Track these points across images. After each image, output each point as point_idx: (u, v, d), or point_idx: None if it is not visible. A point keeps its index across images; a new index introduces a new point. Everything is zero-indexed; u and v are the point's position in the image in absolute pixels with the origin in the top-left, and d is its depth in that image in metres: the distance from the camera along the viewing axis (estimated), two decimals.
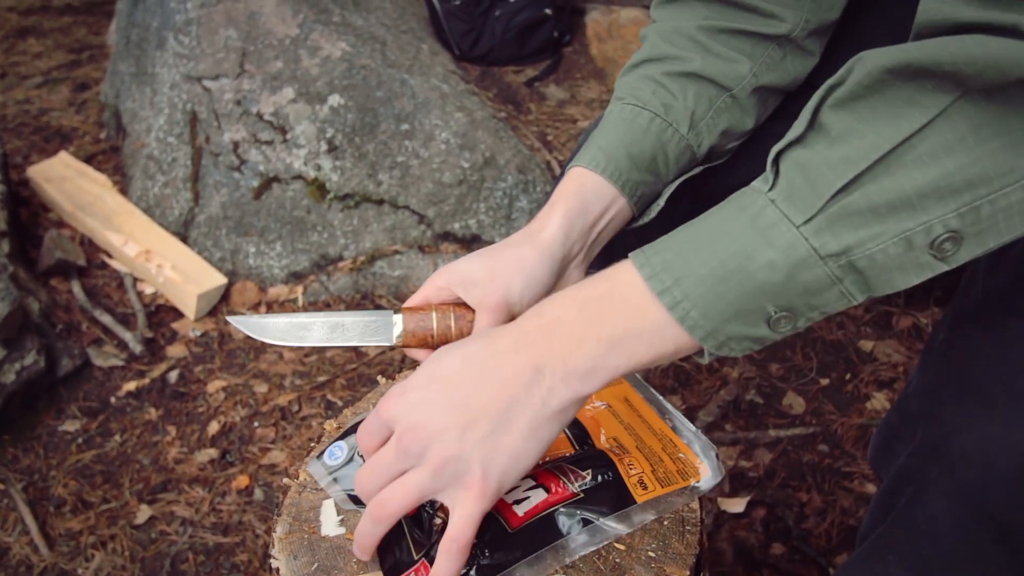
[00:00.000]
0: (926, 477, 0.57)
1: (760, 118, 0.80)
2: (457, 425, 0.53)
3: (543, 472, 0.65)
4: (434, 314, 0.69)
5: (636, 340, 0.52)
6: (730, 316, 0.50)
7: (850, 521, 1.35)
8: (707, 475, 0.66)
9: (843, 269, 0.48)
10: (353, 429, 0.71)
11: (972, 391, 0.55)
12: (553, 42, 2.56)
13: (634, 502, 0.63)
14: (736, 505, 1.37)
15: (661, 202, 0.76)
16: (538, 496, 0.62)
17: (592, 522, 0.62)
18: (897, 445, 0.62)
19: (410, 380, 0.57)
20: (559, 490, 0.63)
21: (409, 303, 0.71)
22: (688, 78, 0.75)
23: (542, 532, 0.61)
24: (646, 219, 0.76)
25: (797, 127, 0.50)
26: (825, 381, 1.60)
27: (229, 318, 0.72)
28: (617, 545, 0.62)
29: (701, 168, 0.79)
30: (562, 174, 0.75)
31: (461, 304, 0.70)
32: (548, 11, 2.50)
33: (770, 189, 0.49)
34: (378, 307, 1.86)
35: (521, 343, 0.54)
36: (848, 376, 1.60)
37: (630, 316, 0.52)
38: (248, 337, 1.79)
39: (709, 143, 0.76)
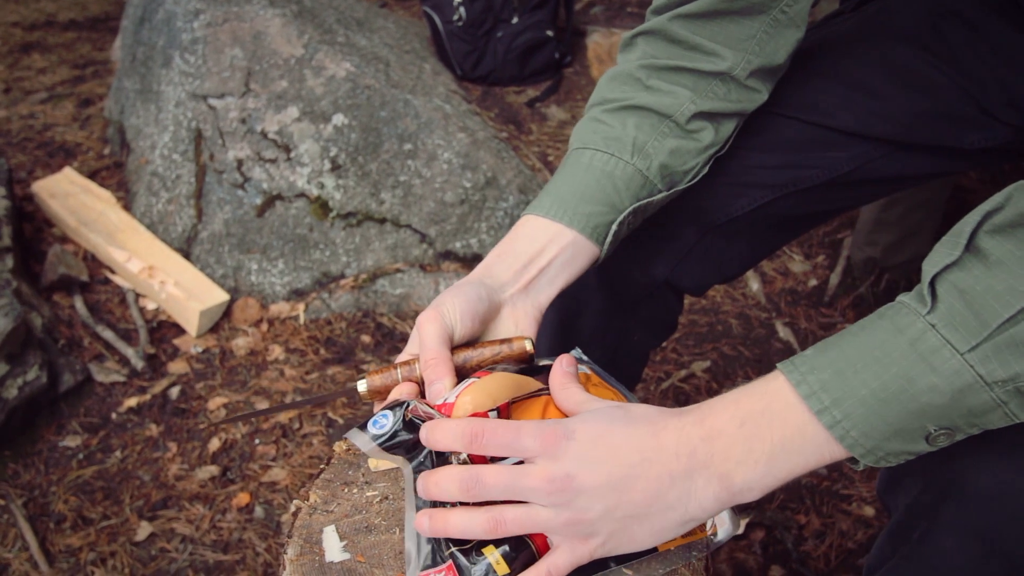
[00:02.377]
0: (939, 513, 0.58)
1: (719, 135, 0.84)
2: (606, 499, 0.56)
3: None
4: (398, 369, 0.73)
5: (793, 456, 0.54)
6: (890, 435, 0.52)
7: (848, 544, 1.36)
8: (724, 527, 0.67)
9: (1009, 394, 0.49)
10: (398, 403, 0.69)
11: (987, 431, 0.56)
12: (554, 63, 2.59)
13: (654, 550, 0.64)
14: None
15: (615, 227, 0.79)
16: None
17: (609, 566, 0.62)
18: (906, 480, 0.63)
19: (580, 427, 0.58)
20: None
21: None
22: (626, 110, 0.80)
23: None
24: (605, 247, 0.80)
25: (951, 250, 0.52)
26: None
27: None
28: (625, 571, 0.63)
29: (666, 194, 0.82)
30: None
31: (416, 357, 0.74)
32: (550, 33, 2.53)
33: (929, 312, 0.51)
34: (378, 326, 1.87)
35: (683, 450, 0.56)
36: None
37: (789, 436, 0.54)
38: (250, 354, 1.80)
39: (659, 162, 0.80)
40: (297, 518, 0.71)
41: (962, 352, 0.49)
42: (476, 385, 0.66)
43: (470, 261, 1.95)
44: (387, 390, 0.72)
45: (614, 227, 0.79)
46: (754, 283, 1.89)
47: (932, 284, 0.52)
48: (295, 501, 0.73)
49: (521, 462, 0.59)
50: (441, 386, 0.67)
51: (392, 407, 0.67)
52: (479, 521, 0.57)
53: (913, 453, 0.53)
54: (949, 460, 0.58)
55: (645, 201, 0.81)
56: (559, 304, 0.97)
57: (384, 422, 0.66)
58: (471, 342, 0.74)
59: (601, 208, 0.77)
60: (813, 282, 1.90)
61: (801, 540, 1.37)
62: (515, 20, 2.49)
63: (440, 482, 0.59)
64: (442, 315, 0.70)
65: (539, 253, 0.76)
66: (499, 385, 0.66)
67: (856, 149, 0.91)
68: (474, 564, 0.59)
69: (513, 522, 0.57)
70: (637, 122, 0.79)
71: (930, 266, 0.52)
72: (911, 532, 0.62)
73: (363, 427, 0.66)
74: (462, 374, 0.72)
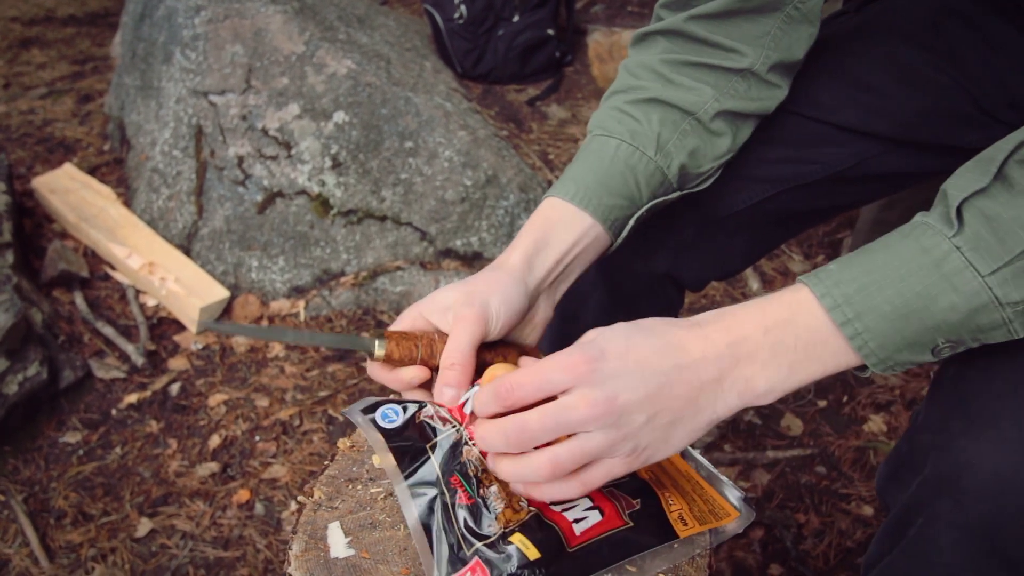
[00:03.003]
0: (936, 509, 0.59)
1: (736, 141, 0.84)
2: (647, 410, 0.57)
3: (598, 494, 0.66)
4: (419, 347, 0.70)
5: (814, 363, 0.57)
6: (903, 347, 0.56)
7: (847, 543, 1.37)
8: (738, 517, 0.67)
9: (1017, 314, 0.53)
10: (414, 402, 0.69)
11: (983, 426, 0.57)
12: (555, 62, 2.59)
13: (676, 536, 0.64)
14: None
15: (632, 223, 0.79)
16: (594, 518, 0.64)
17: (635, 555, 0.63)
18: (906, 476, 0.63)
19: (606, 345, 0.58)
20: (612, 516, 0.64)
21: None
22: (650, 104, 0.79)
23: (595, 555, 0.62)
24: (617, 243, 0.80)
25: (980, 176, 0.54)
26: (823, 403, 1.62)
27: (203, 324, 0.74)
28: (629, 567, 0.63)
29: (679, 194, 0.82)
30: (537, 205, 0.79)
31: (438, 331, 0.71)
32: (550, 32, 2.53)
33: (954, 235, 0.53)
34: (379, 323, 1.87)
35: (710, 355, 0.58)
36: (845, 398, 1.62)
37: (811, 343, 0.57)
38: (250, 350, 1.80)
39: (679, 163, 0.80)
40: (302, 514, 0.71)
41: (983, 275, 0.53)
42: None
43: (470, 259, 1.95)
44: (401, 363, 0.70)
45: (632, 222, 0.79)
46: (754, 282, 1.90)
47: (959, 208, 0.54)
48: (299, 497, 0.73)
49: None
50: (453, 394, 0.66)
51: (405, 404, 0.67)
52: (535, 465, 0.58)
53: (917, 363, 0.57)
54: (944, 455, 0.59)
55: (660, 199, 0.81)
56: (561, 298, 0.97)
57: (395, 417, 0.66)
58: (493, 343, 0.73)
59: (622, 202, 0.77)
60: None
61: (800, 539, 1.38)
62: (516, 18, 2.49)
63: (485, 437, 0.59)
64: (486, 319, 0.68)
65: (572, 247, 0.76)
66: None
67: (856, 146, 0.92)
68: (502, 553, 0.59)
69: (568, 457, 0.57)
70: (661, 117, 0.79)
71: (956, 190, 0.54)
72: (907, 528, 0.62)
73: (370, 410, 0.66)
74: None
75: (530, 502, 0.63)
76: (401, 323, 0.72)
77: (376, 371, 0.71)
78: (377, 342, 0.69)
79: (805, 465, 1.50)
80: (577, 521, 0.63)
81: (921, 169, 0.96)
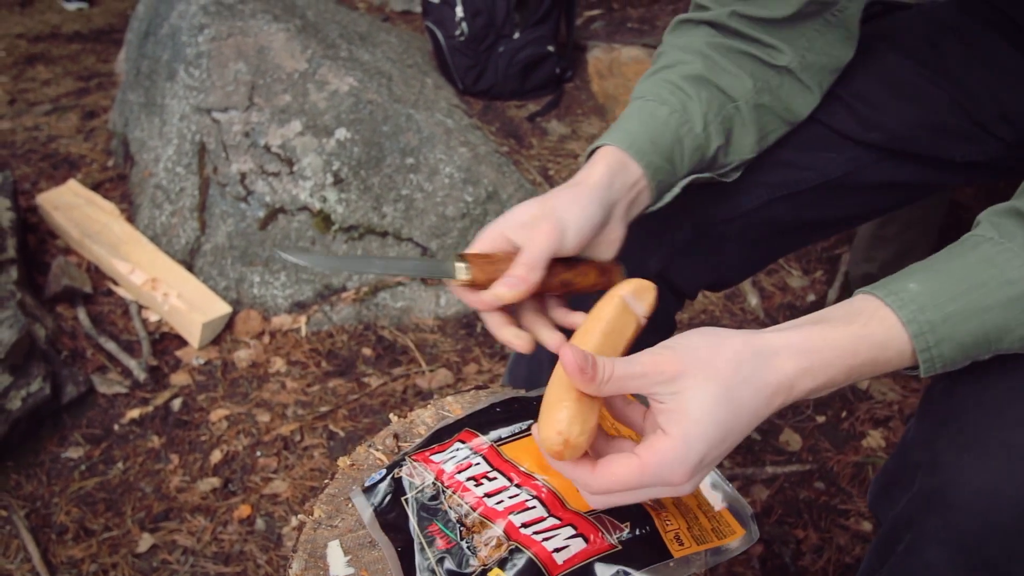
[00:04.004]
0: (924, 525, 0.59)
1: (762, 141, 0.86)
2: (717, 456, 0.57)
3: (583, 521, 0.66)
4: (499, 257, 0.70)
5: (869, 374, 0.58)
6: (961, 362, 0.57)
7: (846, 559, 1.37)
8: (742, 535, 0.68)
9: None
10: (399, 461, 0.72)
11: (970, 443, 0.58)
12: (555, 78, 2.61)
13: (670, 557, 0.65)
14: None
15: (677, 190, 0.80)
16: (577, 545, 0.64)
17: (628, 574, 0.63)
18: (896, 492, 0.64)
19: (697, 444, 0.55)
20: (597, 541, 0.64)
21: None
22: (699, 81, 0.81)
23: None
24: (659, 204, 0.80)
25: None
26: (821, 419, 1.62)
27: (281, 253, 0.71)
28: None
29: (710, 175, 0.84)
30: (589, 152, 0.77)
31: (518, 249, 0.71)
32: (551, 48, 2.55)
33: None
34: (379, 338, 1.89)
35: (785, 400, 0.57)
36: (844, 414, 1.63)
37: (882, 364, 0.57)
38: (252, 366, 1.81)
39: (717, 144, 0.82)
40: (302, 532, 0.72)
41: None
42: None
43: None
44: (484, 286, 0.70)
45: (677, 188, 0.80)
46: (753, 298, 1.91)
47: None
48: (299, 516, 0.74)
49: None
50: (503, 292, 0.67)
51: (388, 465, 0.71)
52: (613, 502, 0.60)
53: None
54: (932, 471, 0.59)
55: (696, 176, 0.82)
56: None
57: (376, 477, 0.70)
58: (570, 259, 0.73)
59: (667, 166, 0.78)
60: (811, 297, 1.91)
61: (799, 555, 1.38)
62: (516, 35, 2.51)
63: (593, 501, 0.62)
64: (561, 231, 0.68)
65: (636, 182, 0.76)
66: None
67: (850, 153, 0.94)
68: None
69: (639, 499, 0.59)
70: (708, 97, 0.81)
71: None
72: (897, 544, 0.63)
73: (368, 491, 0.70)
74: (550, 289, 0.72)
75: (511, 536, 0.64)
76: (481, 242, 0.72)
77: (460, 292, 0.72)
78: (459, 266, 0.69)
79: (804, 481, 1.50)
80: (558, 550, 0.63)
81: (911, 180, 0.97)
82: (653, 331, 1.08)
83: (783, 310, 1.89)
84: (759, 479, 1.50)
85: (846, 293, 1.84)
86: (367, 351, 1.84)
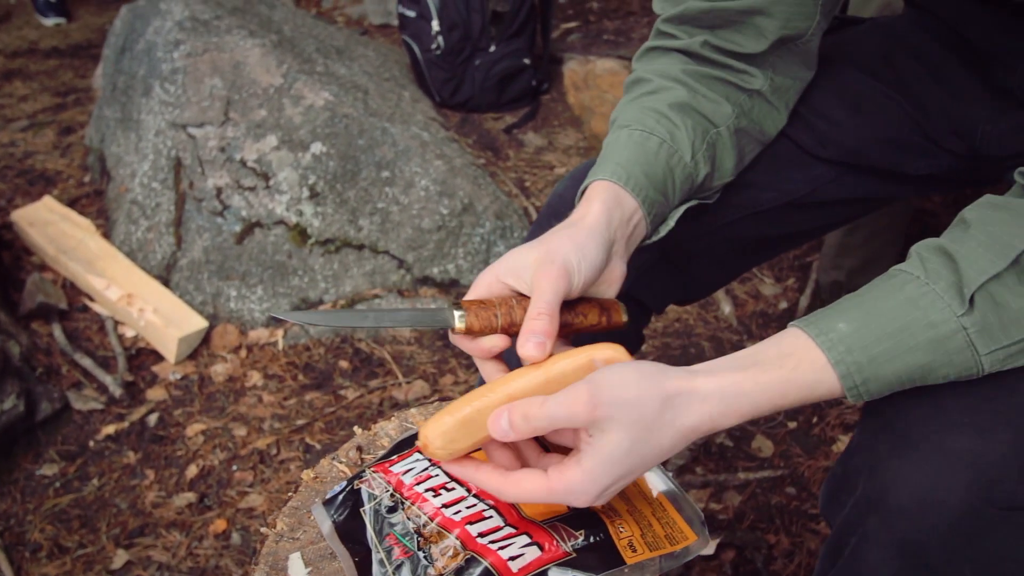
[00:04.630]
0: (866, 529, 0.61)
1: (740, 163, 0.87)
2: (628, 473, 0.60)
3: (538, 530, 0.67)
4: (498, 313, 0.69)
5: (796, 404, 0.59)
6: (887, 392, 0.59)
7: (816, 563, 1.39)
8: (694, 541, 0.69)
9: (992, 361, 0.58)
10: (357, 477, 0.73)
11: (907, 447, 0.60)
12: (531, 90, 2.63)
13: (623, 563, 0.66)
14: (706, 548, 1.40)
15: (671, 223, 0.80)
16: (532, 554, 0.65)
17: None
18: (843, 497, 0.66)
19: (602, 476, 0.59)
20: (552, 548, 0.66)
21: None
22: (684, 109, 0.81)
23: None
24: (656, 238, 0.80)
25: (996, 259, 0.56)
26: (793, 424, 1.64)
27: (276, 314, 0.69)
28: None
29: (697, 201, 0.85)
30: (582, 189, 0.76)
31: (516, 294, 0.70)
32: (527, 61, 2.58)
33: (963, 314, 0.56)
34: (356, 351, 1.89)
35: (709, 429, 0.59)
36: (815, 420, 1.65)
37: (808, 397, 0.59)
38: (228, 380, 1.81)
39: (705, 172, 0.82)
40: (264, 545, 0.73)
41: (981, 354, 0.57)
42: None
43: (448, 286, 1.98)
44: (482, 333, 0.69)
45: (672, 221, 0.80)
46: (726, 306, 1.93)
47: (972, 296, 0.56)
48: (263, 528, 0.75)
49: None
50: (540, 341, 0.64)
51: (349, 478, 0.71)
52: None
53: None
54: (873, 476, 0.61)
55: (687, 204, 0.82)
56: None
57: (336, 489, 0.71)
58: (573, 301, 0.71)
59: (661, 198, 0.78)
60: (784, 304, 1.94)
61: (771, 559, 1.40)
62: (492, 48, 2.54)
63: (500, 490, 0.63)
64: (569, 274, 0.67)
65: (632, 216, 0.75)
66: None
67: (811, 171, 0.96)
68: None
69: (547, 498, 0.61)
70: (694, 124, 0.81)
71: (973, 271, 0.56)
72: (843, 548, 0.65)
73: (328, 503, 0.70)
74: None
75: (467, 545, 0.66)
76: (478, 289, 0.70)
77: (458, 340, 0.70)
78: (456, 315, 0.67)
79: (776, 486, 1.52)
80: (513, 559, 0.64)
81: (870, 194, 0.99)
82: (622, 344, 1.10)
83: (756, 318, 1.91)
84: (731, 485, 1.52)
85: (817, 300, 1.86)
86: (344, 364, 1.85)
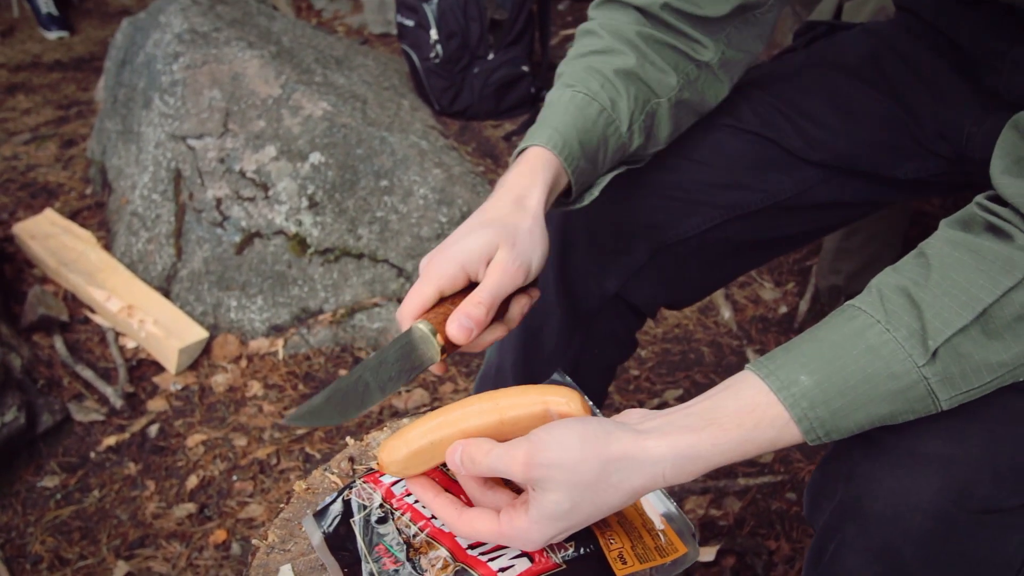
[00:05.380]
0: (844, 535, 0.61)
1: (674, 134, 0.88)
2: (576, 523, 0.60)
3: None
4: (451, 302, 0.70)
5: (757, 455, 0.59)
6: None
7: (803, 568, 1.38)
8: (684, 553, 0.69)
9: (950, 403, 0.57)
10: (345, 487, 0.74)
11: (881, 452, 0.60)
12: (530, 97, 2.64)
13: (613, 575, 0.66)
14: (706, 554, 1.39)
15: (596, 192, 0.81)
16: (522, 565, 0.65)
17: None
18: (823, 503, 0.66)
19: (547, 528, 0.59)
20: (542, 560, 0.66)
21: (418, 303, 0.69)
22: (629, 77, 0.81)
23: None
24: (579, 205, 0.81)
25: (961, 311, 0.55)
26: None
27: (287, 421, 0.68)
28: None
29: (625, 168, 0.85)
30: (520, 150, 0.77)
31: (469, 288, 0.70)
32: (525, 68, 2.58)
33: (925, 365, 0.55)
34: (356, 360, 1.90)
35: (659, 484, 0.59)
36: None
37: (771, 449, 0.58)
38: (229, 390, 1.82)
39: (638, 143, 0.82)
40: (255, 557, 0.73)
41: (941, 399, 0.56)
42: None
43: None
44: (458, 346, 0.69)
45: (595, 191, 0.80)
46: (726, 311, 1.93)
47: (936, 350, 0.55)
48: (253, 540, 0.75)
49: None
50: (469, 327, 0.66)
51: (341, 490, 0.72)
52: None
53: None
54: (849, 482, 0.61)
55: (612, 172, 0.82)
56: (524, 317, 1.00)
57: (328, 499, 0.71)
58: None
59: (589, 167, 0.79)
60: (783, 309, 1.93)
61: (771, 566, 1.39)
62: (491, 56, 2.54)
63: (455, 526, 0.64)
64: (527, 276, 0.69)
65: (560, 185, 0.76)
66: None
67: (798, 174, 0.96)
68: None
69: (497, 539, 0.63)
70: (636, 93, 0.80)
71: (938, 321, 0.55)
72: (824, 554, 0.65)
73: (319, 514, 0.71)
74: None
75: (456, 557, 0.66)
76: (440, 277, 0.69)
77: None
78: (433, 348, 0.68)
79: (776, 492, 1.52)
80: (504, 570, 0.64)
81: (858, 198, 0.99)
82: (615, 348, 1.10)
83: (756, 322, 1.91)
84: (731, 491, 1.52)
85: (816, 304, 1.86)
86: (344, 372, 1.85)
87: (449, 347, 0.69)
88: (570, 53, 0.85)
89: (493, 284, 0.68)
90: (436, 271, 0.69)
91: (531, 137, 0.77)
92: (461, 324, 0.67)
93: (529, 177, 0.73)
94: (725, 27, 0.84)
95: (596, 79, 0.79)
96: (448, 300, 0.71)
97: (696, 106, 0.88)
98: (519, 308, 0.73)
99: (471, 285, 0.71)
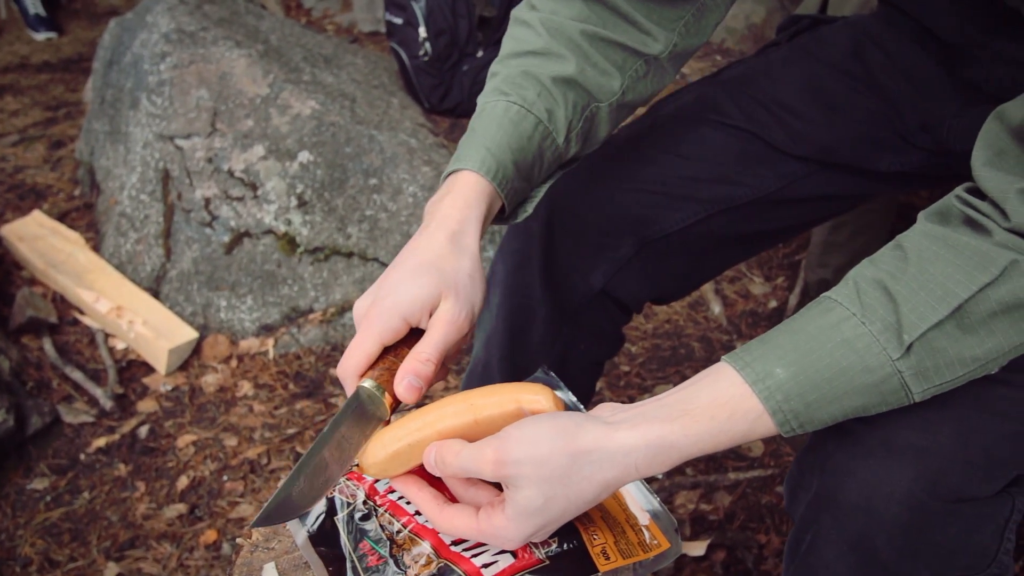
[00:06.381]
0: (820, 526, 0.61)
1: (609, 134, 0.86)
2: (551, 520, 0.60)
3: None
4: (393, 357, 0.68)
5: (730, 447, 0.59)
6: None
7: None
8: (666, 548, 0.69)
9: (923, 396, 0.58)
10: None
11: (853, 444, 0.60)
12: None
13: (596, 571, 0.66)
14: (696, 548, 1.40)
15: (529, 208, 0.79)
16: (505, 561, 0.65)
17: None
18: (800, 494, 0.66)
19: (524, 526, 0.59)
20: (525, 556, 0.66)
21: (362, 360, 0.67)
22: (568, 84, 0.77)
23: None
24: (512, 222, 0.79)
25: (937, 306, 0.55)
26: None
27: (253, 526, 0.66)
28: None
29: (561, 173, 0.83)
30: (451, 172, 0.73)
31: (413, 337, 0.69)
32: None
33: (900, 358, 0.55)
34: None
35: (631, 478, 0.59)
36: None
37: (744, 441, 0.58)
38: (219, 390, 1.81)
39: (575, 151, 0.80)
40: (239, 555, 0.73)
41: (914, 392, 0.56)
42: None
43: None
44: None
45: (529, 208, 0.78)
46: (716, 306, 1.93)
47: (911, 344, 0.55)
48: (238, 539, 0.75)
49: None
50: (419, 386, 0.65)
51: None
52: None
53: None
54: (824, 474, 0.61)
55: (550, 184, 0.81)
56: (507, 314, 1.00)
57: (317, 508, 0.70)
58: None
59: (524, 185, 0.76)
60: (773, 303, 1.94)
61: (761, 559, 1.40)
62: (480, 53, 2.54)
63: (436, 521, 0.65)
64: (472, 324, 0.68)
65: (493, 211, 0.74)
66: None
67: (782, 168, 0.96)
68: None
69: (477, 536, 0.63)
70: (574, 101, 0.77)
71: (913, 315, 0.55)
72: (801, 545, 0.65)
73: (303, 519, 0.70)
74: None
75: (440, 553, 0.66)
76: (382, 332, 0.66)
77: None
78: (382, 407, 0.67)
79: (766, 486, 1.52)
80: (487, 566, 0.64)
81: (842, 191, 1.00)
82: (602, 344, 1.10)
83: (745, 317, 1.91)
84: (722, 485, 1.52)
85: (806, 298, 1.86)
86: (334, 372, 1.84)
87: (397, 402, 0.68)
88: (505, 47, 0.80)
89: (439, 339, 0.66)
90: (377, 325, 0.66)
91: (463, 158, 0.73)
92: (411, 384, 0.65)
93: (463, 210, 0.70)
94: (683, 14, 0.81)
95: (532, 87, 0.75)
96: (391, 352, 0.68)
97: (637, 103, 0.85)
98: (456, 347, 0.70)
99: (413, 331, 0.69)
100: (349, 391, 0.67)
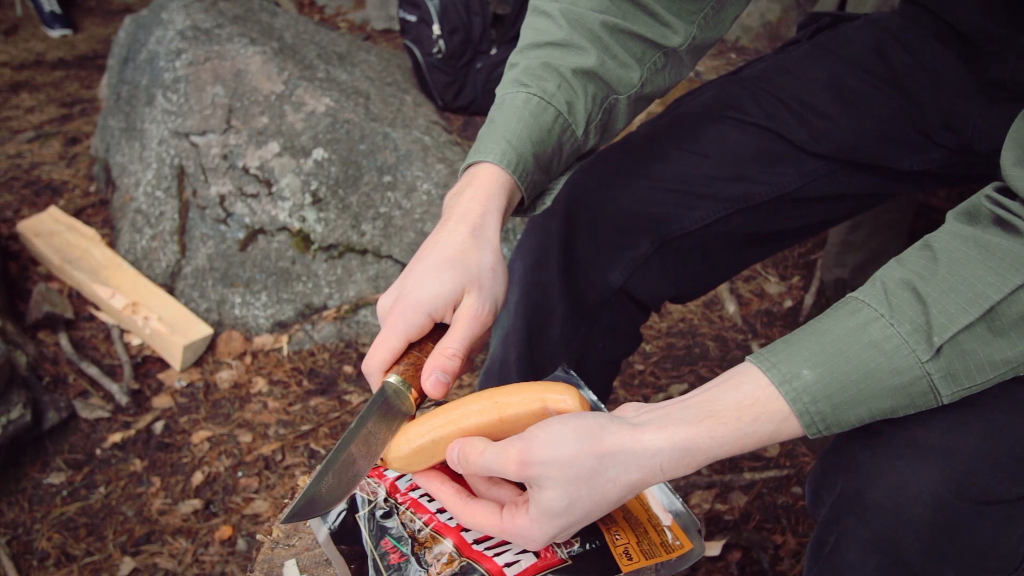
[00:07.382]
0: (845, 526, 0.61)
1: (628, 126, 0.86)
2: (574, 521, 0.60)
3: None
4: (419, 352, 0.68)
5: (756, 448, 0.58)
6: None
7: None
8: (689, 549, 0.68)
9: (952, 398, 0.57)
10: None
11: (879, 444, 0.59)
12: None
13: (619, 572, 0.66)
14: (712, 548, 1.39)
15: (548, 201, 0.79)
16: (528, 560, 0.65)
17: None
18: (824, 495, 0.66)
19: (547, 527, 0.59)
20: (548, 556, 0.65)
21: (387, 356, 0.68)
22: (588, 76, 0.77)
23: None
24: (531, 214, 0.79)
25: (967, 307, 0.54)
26: None
27: (283, 521, 0.65)
28: None
29: (579, 164, 0.83)
30: (471, 163, 0.73)
31: (437, 332, 0.69)
32: None
33: (929, 360, 0.54)
34: (361, 356, 1.89)
35: (656, 479, 0.58)
36: None
37: (771, 442, 0.57)
38: (234, 387, 1.82)
39: (593, 143, 0.80)
40: (260, 552, 0.73)
41: (943, 394, 0.55)
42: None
43: None
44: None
45: (548, 200, 0.78)
46: (731, 305, 1.92)
47: (941, 346, 0.55)
48: (259, 536, 0.75)
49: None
50: (446, 381, 0.65)
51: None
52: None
53: None
54: (849, 474, 0.61)
55: (568, 175, 0.80)
56: (525, 311, 0.99)
57: (338, 505, 0.69)
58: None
59: (543, 178, 0.76)
60: (788, 303, 1.92)
61: (777, 560, 1.39)
62: (494, 51, 2.54)
63: (460, 515, 0.65)
64: (495, 315, 0.68)
65: (513, 204, 0.74)
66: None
67: (803, 166, 0.95)
68: None
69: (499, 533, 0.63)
70: (594, 93, 0.77)
71: (944, 317, 0.54)
72: (825, 546, 0.64)
73: (324, 516, 0.70)
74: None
75: (462, 551, 0.66)
76: (407, 328, 0.67)
77: None
78: (408, 402, 0.66)
79: (782, 486, 1.51)
80: (509, 565, 0.64)
81: (863, 190, 0.99)
82: (619, 342, 1.10)
83: (761, 316, 1.90)
84: (737, 485, 1.51)
85: (822, 298, 1.85)
86: (348, 368, 1.85)
87: (422, 397, 0.68)
88: (524, 36, 0.79)
89: (464, 333, 0.66)
90: (402, 321, 0.66)
91: (483, 150, 0.72)
92: (438, 380, 0.65)
93: (484, 203, 0.70)
94: (703, 7, 0.81)
95: (553, 79, 0.75)
96: (416, 347, 0.68)
97: (655, 95, 0.85)
98: (480, 341, 0.70)
99: (437, 326, 0.69)
100: (375, 387, 0.68)
